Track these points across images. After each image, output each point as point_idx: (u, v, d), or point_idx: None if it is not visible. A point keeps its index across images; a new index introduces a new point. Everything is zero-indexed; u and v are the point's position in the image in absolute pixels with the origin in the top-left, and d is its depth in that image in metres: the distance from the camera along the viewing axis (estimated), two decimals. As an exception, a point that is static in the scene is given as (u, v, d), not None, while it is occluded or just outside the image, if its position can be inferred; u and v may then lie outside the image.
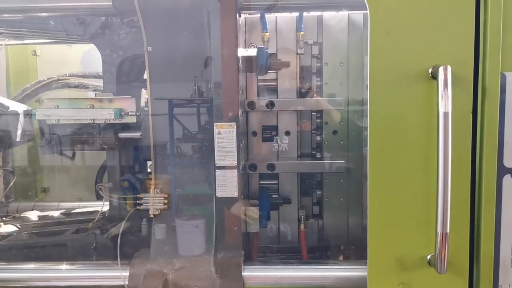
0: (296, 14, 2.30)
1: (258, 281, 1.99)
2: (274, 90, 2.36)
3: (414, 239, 1.62)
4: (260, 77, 2.33)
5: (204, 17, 1.96)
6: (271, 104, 2.27)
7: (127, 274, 1.98)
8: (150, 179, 2.07)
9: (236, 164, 1.93)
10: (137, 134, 2.21)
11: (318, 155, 2.37)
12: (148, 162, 2.19)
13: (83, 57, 3.13)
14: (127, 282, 1.97)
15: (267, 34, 2.29)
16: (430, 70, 1.54)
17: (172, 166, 2.06)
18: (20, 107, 2.48)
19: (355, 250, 2.37)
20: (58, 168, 3.22)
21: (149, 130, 2.03)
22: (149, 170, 2.16)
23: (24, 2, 2.10)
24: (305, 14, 2.30)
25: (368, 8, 1.55)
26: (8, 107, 2.49)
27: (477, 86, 1.57)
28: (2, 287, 2.06)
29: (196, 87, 2.03)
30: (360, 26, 2.30)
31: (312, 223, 2.43)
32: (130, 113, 2.13)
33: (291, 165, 2.34)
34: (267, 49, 2.24)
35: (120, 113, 2.11)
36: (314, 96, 2.35)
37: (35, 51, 3.31)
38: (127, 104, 2.14)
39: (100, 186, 2.49)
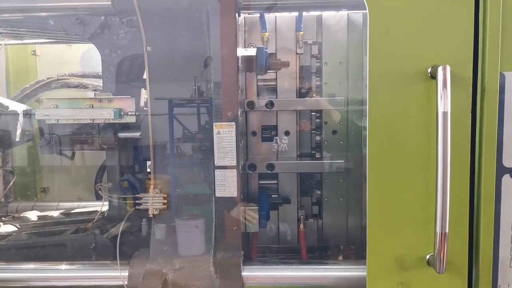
0: (296, 14, 2.29)
1: (258, 281, 1.99)
2: (273, 90, 2.36)
3: (413, 239, 1.62)
4: (259, 77, 2.33)
5: (203, 17, 1.96)
6: (270, 104, 2.27)
7: (127, 274, 1.98)
8: (150, 179, 2.07)
9: (235, 164, 1.93)
10: (136, 134, 2.21)
11: (318, 155, 2.37)
12: (147, 162, 2.19)
13: (83, 57, 3.13)
14: (126, 282, 1.97)
15: (267, 34, 2.29)
16: (429, 70, 1.54)
17: (172, 166, 2.06)
18: (20, 107, 2.48)
19: (355, 250, 2.37)
20: (57, 168, 3.23)
21: (149, 130, 2.03)
22: (148, 170, 2.16)
23: (23, 2, 2.10)
24: (304, 14, 2.30)
25: (367, 8, 1.55)
26: (7, 107, 2.49)
27: (476, 86, 1.57)
28: (1, 287, 2.06)
29: (195, 87, 2.03)
30: (359, 26, 2.30)
31: (311, 223, 2.43)
32: (129, 113, 2.13)
33: (291, 165, 2.34)
34: (266, 49, 2.24)
35: (120, 113, 2.11)
36: (314, 96, 2.35)
37: (34, 51, 3.31)
38: (127, 104, 2.14)
39: (100, 186, 2.48)
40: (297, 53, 2.32)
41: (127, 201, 2.32)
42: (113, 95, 2.20)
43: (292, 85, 2.33)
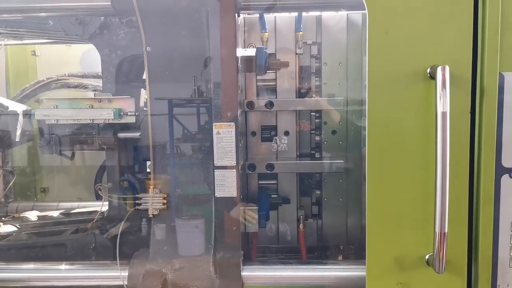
0: (295, 14, 2.30)
1: (257, 281, 2.00)
2: (273, 90, 2.36)
3: (413, 239, 1.62)
4: (259, 77, 2.33)
5: (203, 17, 1.96)
6: (270, 104, 2.27)
7: (126, 274, 1.99)
8: (149, 179, 2.07)
9: (235, 164, 1.93)
10: (136, 134, 2.21)
11: (317, 155, 2.37)
12: (147, 162, 2.19)
13: (82, 57, 3.14)
14: (126, 282, 1.97)
15: (266, 34, 2.29)
16: (428, 70, 1.54)
17: (171, 166, 2.06)
18: (20, 107, 2.48)
19: (354, 250, 2.37)
20: (57, 168, 3.22)
21: (148, 130, 2.03)
22: (148, 170, 2.16)
23: (23, 2, 2.10)
24: (304, 14, 2.30)
25: (366, 8, 1.55)
26: (7, 107, 2.50)
27: (475, 86, 1.57)
28: (1, 287, 2.06)
29: (195, 87, 2.03)
30: (359, 26, 2.30)
31: (311, 223, 2.43)
32: (129, 113, 2.13)
33: (290, 165, 2.34)
34: (266, 49, 2.24)
35: (119, 113, 2.11)
36: (313, 96, 2.35)
37: (34, 51, 3.31)
38: (126, 104, 2.14)
39: (100, 186, 2.49)
40: (296, 53, 2.32)
41: (127, 201, 2.33)
42: (112, 95, 2.20)
43: (291, 85, 2.33)
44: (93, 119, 2.14)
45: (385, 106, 1.58)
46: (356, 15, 2.30)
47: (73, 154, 2.50)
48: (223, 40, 1.89)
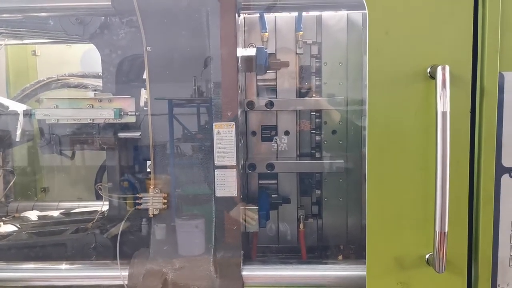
0: (295, 14, 2.30)
1: (257, 280, 2.00)
2: (273, 90, 2.36)
3: (413, 239, 1.62)
4: (259, 77, 2.33)
5: (203, 17, 1.96)
6: (270, 104, 2.27)
7: (127, 273, 1.99)
8: (150, 179, 2.07)
9: (235, 164, 1.93)
10: (136, 134, 2.21)
11: (317, 155, 2.37)
12: (147, 162, 2.19)
13: (83, 57, 3.14)
14: (126, 282, 1.97)
15: (266, 34, 2.29)
16: (428, 70, 1.54)
17: (172, 166, 2.06)
18: (20, 107, 2.48)
19: (354, 250, 2.37)
20: (57, 168, 3.23)
21: (149, 130, 2.03)
22: (148, 170, 2.16)
23: (23, 2, 2.10)
24: (304, 14, 2.30)
25: (366, 8, 1.55)
26: (7, 107, 2.50)
27: (475, 86, 1.57)
28: (2, 286, 2.06)
29: (195, 87, 2.03)
30: (359, 26, 2.30)
31: (311, 222, 2.43)
32: (129, 113, 2.13)
33: (290, 165, 2.35)
34: (266, 49, 2.24)
35: (120, 113, 2.11)
36: (314, 96, 2.35)
37: (34, 51, 3.31)
38: (127, 104, 2.14)
39: (100, 186, 2.49)
40: (296, 53, 2.32)
41: (127, 201, 2.33)
42: (113, 95, 2.20)
43: (291, 85, 2.34)
44: (93, 119, 2.14)
45: (385, 106, 1.58)
46: (356, 15, 2.30)
47: (73, 154, 2.50)
48: (223, 40, 1.89)
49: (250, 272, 1.98)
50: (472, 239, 1.63)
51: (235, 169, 1.93)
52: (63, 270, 2.09)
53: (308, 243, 2.40)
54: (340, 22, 2.32)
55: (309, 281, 2.00)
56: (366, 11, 1.56)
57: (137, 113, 2.14)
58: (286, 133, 2.35)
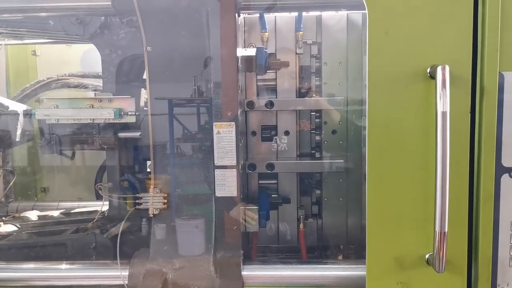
0: (295, 14, 2.30)
1: (258, 280, 2.00)
2: (273, 89, 2.36)
3: (413, 239, 1.62)
4: (259, 77, 2.33)
5: (203, 17, 1.96)
6: (270, 104, 2.27)
7: (127, 273, 1.99)
8: (150, 178, 2.07)
9: (235, 164, 1.93)
10: (136, 134, 2.21)
11: (317, 155, 2.37)
12: (147, 161, 2.19)
13: (83, 57, 3.14)
14: (126, 282, 1.97)
15: (266, 34, 2.29)
16: (428, 70, 1.54)
17: (172, 166, 2.06)
18: (20, 107, 2.49)
19: (354, 250, 2.37)
20: (57, 168, 3.23)
21: (149, 130, 2.03)
22: (148, 170, 2.16)
23: (23, 2, 2.10)
24: (304, 14, 2.30)
25: (366, 8, 1.56)
26: (7, 107, 2.50)
27: (475, 86, 1.57)
28: (2, 286, 2.06)
29: (195, 87, 2.03)
30: (359, 26, 2.30)
31: (311, 222, 2.43)
32: (129, 113, 2.13)
33: (290, 165, 2.35)
34: (266, 49, 2.24)
35: (120, 112, 2.11)
36: (313, 96, 2.35)
37: (34, 51, 3.31)
38: (127, 104, 2.14)
39: (100, 186, 2.49)
40: (296, 53, 2.32)
41: (127, 201, 2.33)
42: (113, 95, 2.20)
43: (291, 85, 2.34)
44: (93, 119, 2.14)
45: (385, 106, 1.58)
46: (356, 15, 2.30)
47: (73, 154, 2.50)
48: (223, 40, 1.89)
49: (250, 272, 1.99)
50: (472, 239, 1.63)
51: (235, 169, 1.93)
52: (63, 270, 2.09)
53: (308, 243, 2.40)
54: (340, 22, 2.32)
55: (309, 281, 2.00)
56: (366, 11, 1.56)
57: (137, 113, 2.14)
58: (286, 133, 2.35)
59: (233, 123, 1.92)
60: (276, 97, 2.34)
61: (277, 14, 2.31)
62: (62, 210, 2.89)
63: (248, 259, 2.09)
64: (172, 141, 2.06)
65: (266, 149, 2.36)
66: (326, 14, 2.33)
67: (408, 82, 1.56)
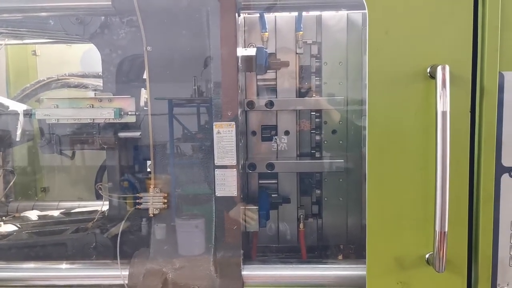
0: (295, 13, 2.30)
1: (258, 280, 2.00)
2: (273, 89, 2.36)
3: (413, 238, 1.62)
4: (259, 77, 2.33)
5: (203, 17, 1.96)
6: (270, 104, 2.27)
7: (127, 273, 1.99)
8: (150, 178, 2.07)
9: (235, 164, 1.93)
10: (136, 134, 2.21)
11: (318, 155, 2.37)
12: (147, 161, 2.19)
13: (83, 57, 3.14)
14: (126, 281, 1.97)
15: (266, 33, 2.29)
16: (428, 70, 1.54)
17: (172, 165, 2.06)
18: (20, 107, 2.49)
19: (354, 249, 2.37)
20: (58, 168, 3.23)
21: (149, 130, 2.03)
22: (148, 169, 2.16)
23: (23, 2, 2.10)
24: (304, 13, 2.30)
25: (366, 8, 1.56)
26: (8, 107, 2.50)
27: (475, 86, 1.57)
28: (2, 286, 2.06)
29: (195, 87, 2.03)
30: (359, 26, 2.30)
31: (311, 222, 2.43)
32: (129, 113, 2.13)
33: (291, 165, 2.34)
34: (266, 48, 2.24)
35: (120, 112, 2.11)
36: (313, 95, 2.35)
37: (34, 51, 3.31)
38: (127, 104, 2.14)
39: (100, 186, 2.49)
40: (296, 53, 2.32)
41: (127, 201, 2.33)
42: (113, 95, 2.20)
43: (291, 84, 2.34)
44: (93, 119, 2.14)
45: (385, 106, 1.58)
46: (356, 15, 2.30)
47: (73, 154, 2.49)
48: (223, 40, 1.89)
49: (250, 272, 1.99)
50: (472, 238, 1.63)
51: (235, 169, 1.94)
52: (64, 269, 2.09)
53: (308, 242, 2.40)
54: (340, 22, 2.32)
55: (309, 281, 2.00)
56: (366, 11, 1.56)
57: (137, 113, 2.14)
58: (286, 132, 2.35)
59: (233, 123, 1.92)
60: (276, 97, 2.34)
61: (277, 14, 2.31)
62: (62, 210, 2.89)
63: (248, 259, 2.09)
64: (172, 141, 2.06)
65: (266, 149, 2.36)
66: (326, 14, 2.33)
67: (408, 82, 1.56)
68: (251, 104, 2.27)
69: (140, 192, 2.09)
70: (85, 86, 2.89)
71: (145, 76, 2.04)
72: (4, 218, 2.77)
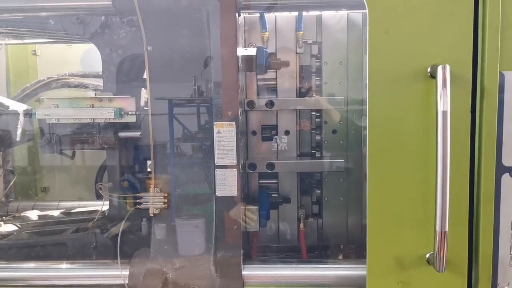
0: (296, 13, 2.30)
1: (258, 280, 2.00)
2: (273, 89, 2.36)
3: (413, 238, 1.62)
4: (259, 77, 2.33)
5: (203, 17, 1.96)
6: (270, 104, 2.27)
7: (127, 273, 1.99)
8: (150, 178, 2.07)
9: (235, 163, 1.93)
10: (137, 134, 2.21)
11: (318, 155, 2.38)
12: (148, 161, 2.19)
13: (83, 57, 3.14)
14: (127, 281, 1.97)
15: (267, 33, 2.29)
16: (428, 69, 1.54)
17: (172, 165, 2.06)
18: (20, 107, 2.49)
19: (355, 249, 2.37)
20: (58, 168, 3.23)
21: (149, 130, 2.03)
22: (149, 169, 2.16)
23: (24, 2, 2.10)
24: (304, 13, 2.30)
25: (367, 8, 1.56)
26: (8, 107, 2.50)
27: (475, 85, 1.57)
28: (2, 286, 2.06)
29: (195, 87, 2.03)
30: (359, 26, 2.30)
31: (311, 222, 2.43)
32: (130, 113, 2.13)
33: (291, 164, 2.34)
34: (266, 48, 2.24)
35: (120, 112, 2.11)
36: (314, 95, 2.35)
37: (35, 50, 3.31)
38: (127, 104, 2.14)
39: (100, 186, 2.49)
40: (297, 53, 2.32)
41: (128, 201, 2.33)
42: (113, 95, 2.20)
43: (292, 84, 2.34)
44: (93, 119, 2.14)
45: (386, 106, 1.58)
46: (357, 15, 2.30)
47: (73, 154, 2.49)
48: (223, 40, 1.89)
49: (251, 272, 1.98)
50: (473, 238, 1.63)
51: (235, 169, 1.93)
52: (64, 269, 2.09)
53: (308, 242, 2.40)
54: (340, 22, 2.32)
55: (309, 281, 2.00)
56: (367, 11, 1.56)
57: (137, 113, 2.14)
58: (286, 132, 2.35)
59: (234, 122, 1.92)
60: (277, 97, 2.34)
61: (277, 14, 2.31)
62: (62, 210, 2.89)
63: (249, 258, 2.09)
64: (172, 141, 2.06)
65: (267, 148, 2.36)
66: (327, 14, 2.33)
67: (408, 81, 1.56)
68: (251, 104, 2.27)
69: (140, 192, 2.09)
70: (85, 86, 2.89)
71: (145, 76, 2.04)
72: (4, 218, 2.77)
